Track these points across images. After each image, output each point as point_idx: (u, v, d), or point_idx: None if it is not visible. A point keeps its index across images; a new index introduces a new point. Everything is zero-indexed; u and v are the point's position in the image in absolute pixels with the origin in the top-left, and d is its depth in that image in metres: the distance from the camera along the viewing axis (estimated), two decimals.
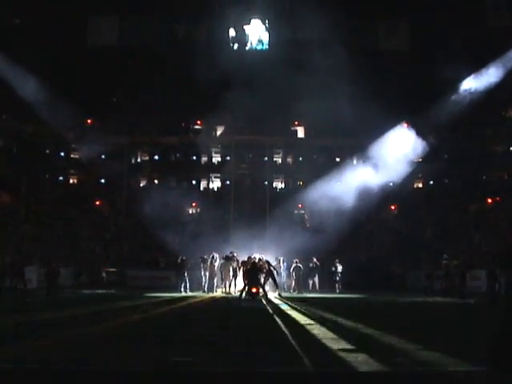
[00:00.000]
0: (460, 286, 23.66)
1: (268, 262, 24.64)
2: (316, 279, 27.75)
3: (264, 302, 18.88)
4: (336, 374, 5.83)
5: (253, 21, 37.02)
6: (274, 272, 24.18)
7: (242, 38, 36.58)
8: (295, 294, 25.43)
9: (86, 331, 9.30)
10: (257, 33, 36.66)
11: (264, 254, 27.76)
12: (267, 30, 36.85)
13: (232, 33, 36.97)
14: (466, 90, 37.62)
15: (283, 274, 27.78)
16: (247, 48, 36.81)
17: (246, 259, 25.54)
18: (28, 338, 8.22)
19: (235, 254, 26.65)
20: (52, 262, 24.60)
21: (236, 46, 36.68)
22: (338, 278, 28.66)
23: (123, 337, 8.79)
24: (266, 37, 36.80)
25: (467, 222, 36.58)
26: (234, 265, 25.91)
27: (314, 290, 26.98)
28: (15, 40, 34.16)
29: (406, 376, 5.86)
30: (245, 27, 36.71)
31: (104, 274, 32.16)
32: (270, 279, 23.97)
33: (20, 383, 5.42)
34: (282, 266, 27.89)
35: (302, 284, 27.40)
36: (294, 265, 27.41)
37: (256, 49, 36.87)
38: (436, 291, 25.66)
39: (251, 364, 6.23)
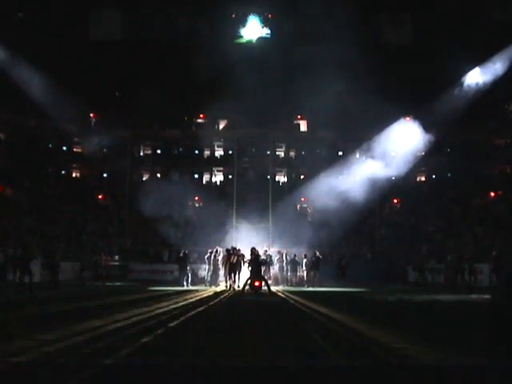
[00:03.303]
0: (469, 280, 23.65)
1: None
2: (318, 272, 27.77)
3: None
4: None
5: (255, 14, 36.90)
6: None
7: (244, 31, 36.48)
8: (292, 288, 25.42)
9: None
10: (259, 26, 36.54)
11: (267, 247, 27.84)
12: (270, 23, 36.73)
13: (234, 26, 36.86)
14: (468, 84, 37.54)
15: (286, 267, 27.87)
16: (249, 41, 36.70)
17: (237, 251, 25.57)
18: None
19: (237, 248, 26.62)
20: (55, 255, 24.68)
21: (238, 39, 36.58)
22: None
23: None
24: (268, 30, 36.68)
25: (470, 216, 36.58)
26: (234, 259, 25.83)
27: (316, 284, 26.99)
28: (17, 34, 34.14)
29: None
30: (247, 20, 36.60)
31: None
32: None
33: None
34: (285, 259, 27.96)
35: (300, 277, 27.52)
36: (295, 258, 27.58)
37: (258, 42, 36.75)
38: (431, 284, 25.84)
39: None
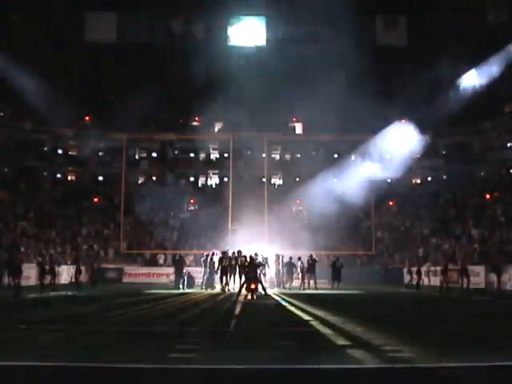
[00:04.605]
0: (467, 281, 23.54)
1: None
2: (314, 275, 27.65)
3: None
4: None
5: (251, 17, 36.94)
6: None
7: (240, 34, 36.52)
8: (288, 291, 25.31)
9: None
10: (255, 29, 36.59)
11: (263, 249, 27.72)
12: (265, 25, 36.77)
13: (230, 29, 36.89)
14: (464, 86, 37.62)
15: (282, 270, 27.77)
16: (245, 44, 36.74)
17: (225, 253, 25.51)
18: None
19: (235, 251, 26.44)
20: (51, 259, 24.56)
21: (234, 42, 36.62)
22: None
23: None
24: (263, 33, 36.72)
25: (466, 218, 36.57)
26: (227, 262, 25.60)
27: (312, 286, 26.87)
28: (13, 37, 34.07)
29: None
30: (243, 23, 36.64)
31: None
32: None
33: None
34: (281, 262, 27.85)
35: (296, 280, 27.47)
36: (290, 261, 27.49)
37: (254, 45, 36.80)
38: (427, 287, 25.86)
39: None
